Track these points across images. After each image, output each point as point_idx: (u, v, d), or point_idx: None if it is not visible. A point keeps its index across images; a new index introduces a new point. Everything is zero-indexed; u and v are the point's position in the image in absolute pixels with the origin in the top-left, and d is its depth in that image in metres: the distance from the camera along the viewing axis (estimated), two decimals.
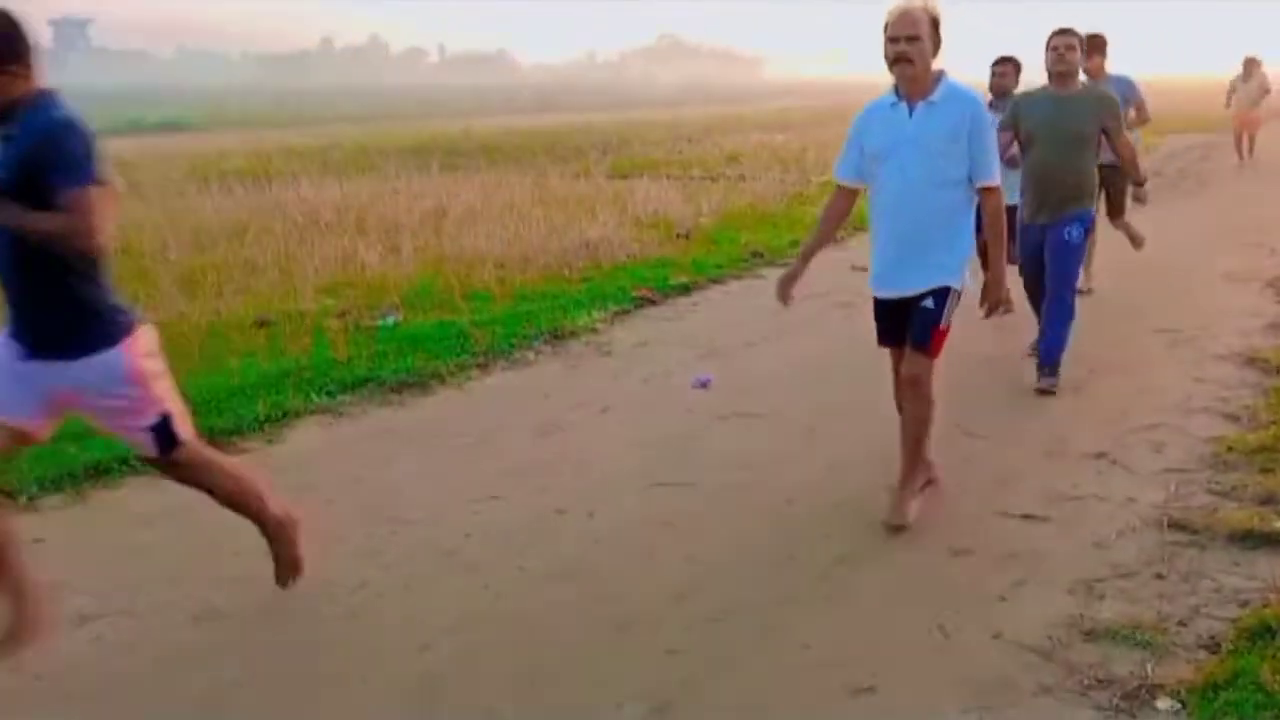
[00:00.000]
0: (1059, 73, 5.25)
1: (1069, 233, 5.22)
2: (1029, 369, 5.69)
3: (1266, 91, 16.88)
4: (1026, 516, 3.89)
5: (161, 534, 3.90)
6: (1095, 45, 6.81)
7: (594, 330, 6.86)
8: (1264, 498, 3.91)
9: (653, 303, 7.69)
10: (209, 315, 7.06)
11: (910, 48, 3.57)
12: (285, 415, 5.12)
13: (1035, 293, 5.55)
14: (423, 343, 6.28)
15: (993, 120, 4.07)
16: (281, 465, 4.58)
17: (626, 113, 35.99)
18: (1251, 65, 16.77)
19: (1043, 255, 5.34)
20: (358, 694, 2.88)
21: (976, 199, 3.78)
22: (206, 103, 56.63)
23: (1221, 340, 6.25)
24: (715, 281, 8.42)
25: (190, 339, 6.41)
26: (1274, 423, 4.69)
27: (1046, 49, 5.26)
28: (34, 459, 4.50)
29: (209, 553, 3.73)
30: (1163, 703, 2.71)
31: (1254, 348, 6.02)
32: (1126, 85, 7.12)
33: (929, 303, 3.72)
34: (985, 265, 4.03)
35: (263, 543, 3.83)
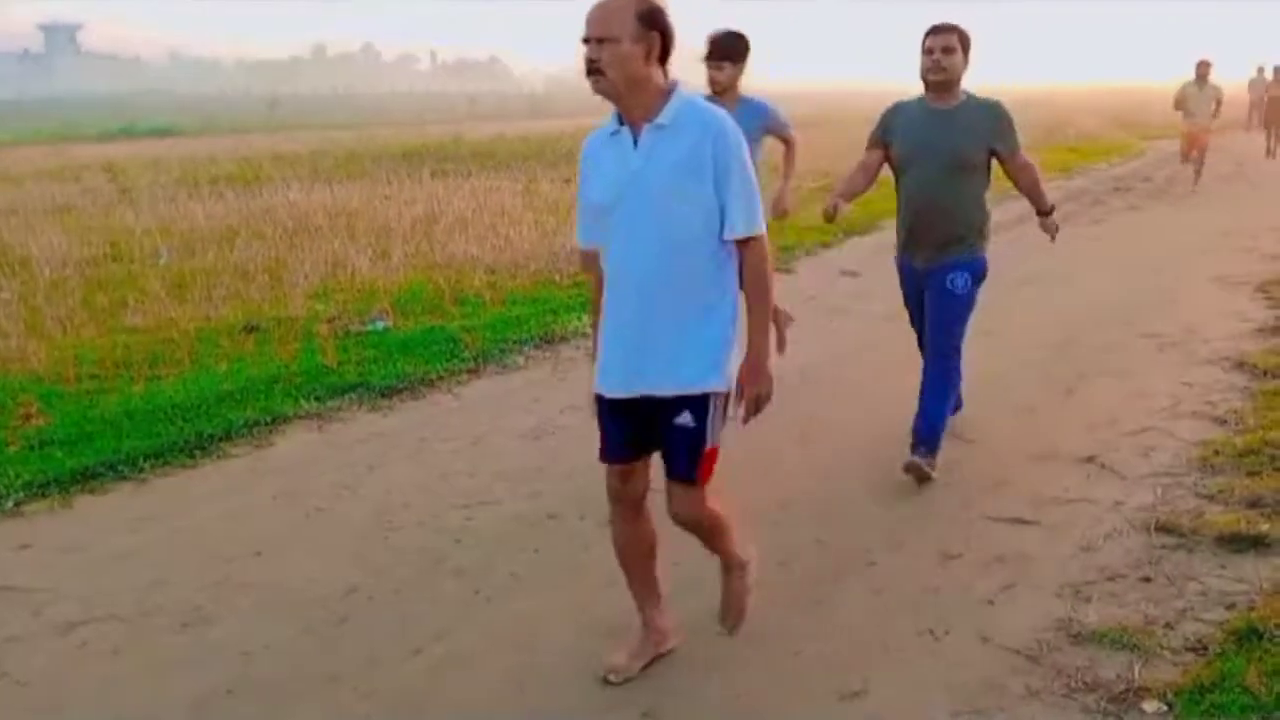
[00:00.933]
0: (934, 82, 4.20)
1: (952, 281, 4.23)
2: (1016, 374, 5.71)
3: (1219, 104, 14.26)
4: (1015, 520, 3.91)
5: (148, 539, 3.89)
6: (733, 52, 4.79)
7: (584, 334, 6.85)
8: (1251, 501, 3.93)
9: None
10: (199, 320, 7.06)
11: (602, 53, 2.57)
12: (274, 420, 5.11)
13: (923, 347, 4.57)
14: (413, 348, 6.27)
15: None
16: (270, 470, 4.58)
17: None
18: (1205, 69, 14.11)
19: (921, 303, 4.46)
20: (348, 699, 2.87)
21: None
22: (198, 109, 56.54)
23: (1210, 344, 6.28)
24: None
25: (180, 344, 6.41)
26: (1261, 426, 4.71)
27: (921, 51, 4.23)
28: (20, 464, 4.50)
29: (196, 558, 3.72)
30: (1149, 705, 2.72)
31: (1242, 352, 6.05)
32: (762, 112, 5.04)
33: (686, 418, 2.71)
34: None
35: (249, 547, 3.84)
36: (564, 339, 6.71)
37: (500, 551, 3.74)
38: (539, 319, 7.01)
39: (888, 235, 11.00)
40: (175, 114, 48.77)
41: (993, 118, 4.24)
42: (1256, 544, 3.59)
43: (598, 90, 2.64)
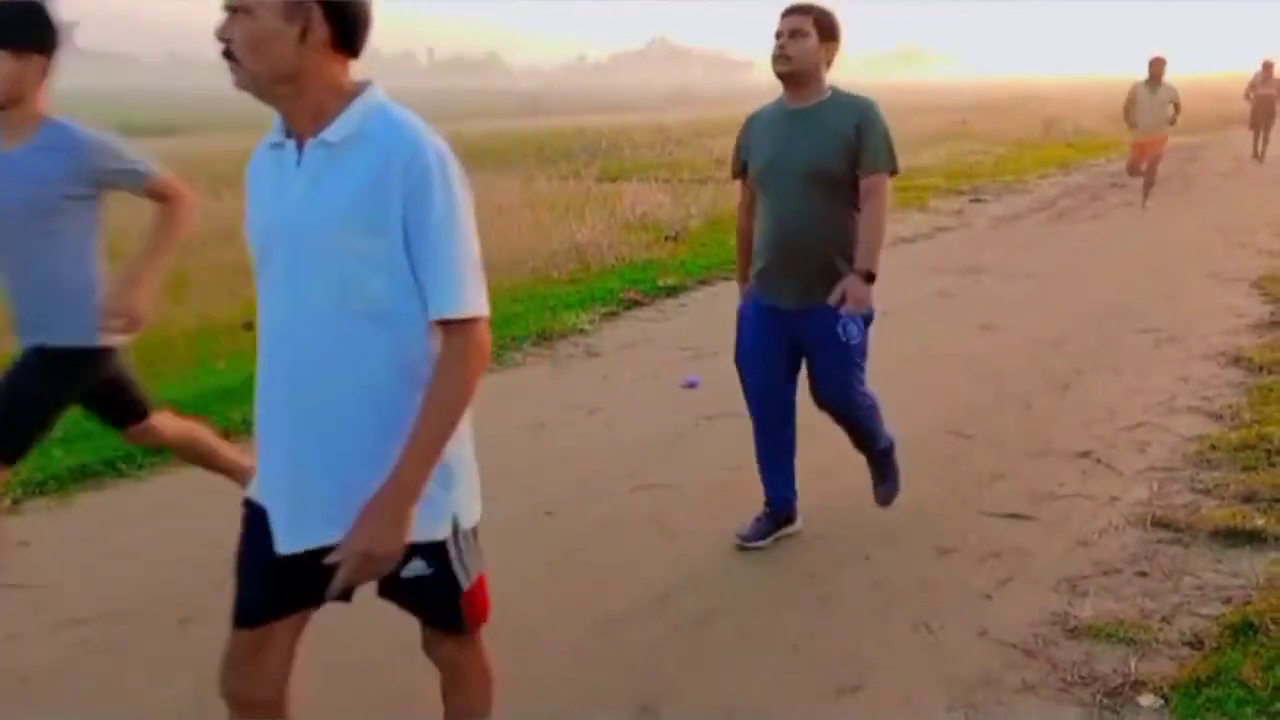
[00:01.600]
0: (780, 74, 3.39)
1: (845, 328, 3.36)
2: (1013, 369, 5.73)
3: (1178, 107, 12.01)
4: (1012, 515, 3.92)
5: (148, 536, 3.90)
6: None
7: (582, 332, 6.87)
8: (1246, 495, 3.94)
9: (641, 304, 7.70)
10: (197, 318, 7.06)
11: (234, 28, 1.77)
12: None
13: (767, 418, 3.71)
14: None
15: None
16: None
17: (616, 116, 36.03)
18: (1159, 67, 11.95)
19: (780, 357, 3.57)
20: (346, 696, 2.88)
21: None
22: (195, 107, 56.47)
23: (1207, 340, 6.30)
24: (703, 283, 8.43)
25: (178, 341, 6.41)
26: (1257, 421, 4.72)
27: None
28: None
29: (196, 555, 3.72)
30: (1146, 699, 2.73)
31: (1238, 347, 6.06)
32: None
33: (419, 567, 1.98)
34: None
35: None
36: (562, 336, 6.72)
37: (496, 547, 3.73)
38: (536, 316, 7.01)
39: (888, 230, 11.06)
40: (173, 112, 48.73)
41: (857, 119, 3.37)
42: (1252, 538, 3.60)
43: (238, 84, 1.81)
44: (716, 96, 67.91)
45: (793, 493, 3.78)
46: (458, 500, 1.98)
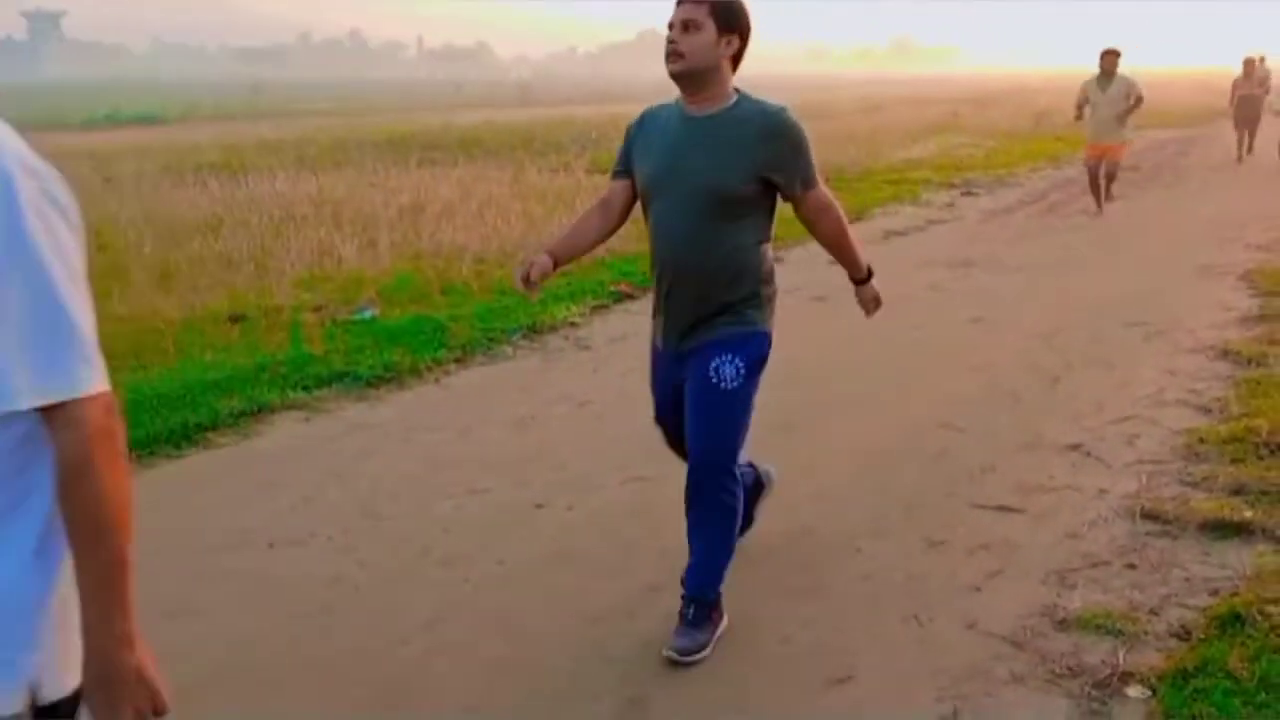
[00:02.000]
0: (672, 73, 2.88)
1: (717, 370, 2.90)
2: (1003, 362, 5.73)
3: (1138, 101, 10.47)
4: (1001, 508, 3.93)
5: (134, 529, 3.87)
6: None
7: (572, 325, 6.85)
8: (1234, 488, 3.96)
9: (631, 297, 7.68)
10: (183, 310, 7.02)
11: None
12: (260, 410, 5.09)
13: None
14: (400, 337, 6.25)
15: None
16: (257, 460, 4.56)
17: (606, 107, 35.94)
18: (1111, 61, 10.48)
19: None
20: (334, 688, 2.87)
21: None
22: (182, 96, 56.18)
23: (1195, 333, 6.32)
24: None
25: (164, 333, 6.37)
26: (1245, 414, 4.74)
27: None
28: None
29: (183, 548, 3.71)
30: (1133, 690, 2.74)
31: (1227, 340, 6.08)
32: None
33: None
34: None
35: (236, 537, 3.83)
36: (552, 329, 6.70)
37: (488, 541, 3.74)
38: (527, 308, 6.98)
39: (879, 224, 11.12)
40: (160, 101, 48.43)
41: (769, 134, 2.87)
42: (1240, 531, 3.62)
43: None
44: None
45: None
46: (40, 664, 1.36)
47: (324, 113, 40.00)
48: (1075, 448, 4.51)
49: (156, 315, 6.87)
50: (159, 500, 4.15)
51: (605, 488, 4.19)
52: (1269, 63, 18.74)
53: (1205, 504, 3.83)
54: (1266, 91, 17.28)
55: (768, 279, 3.03)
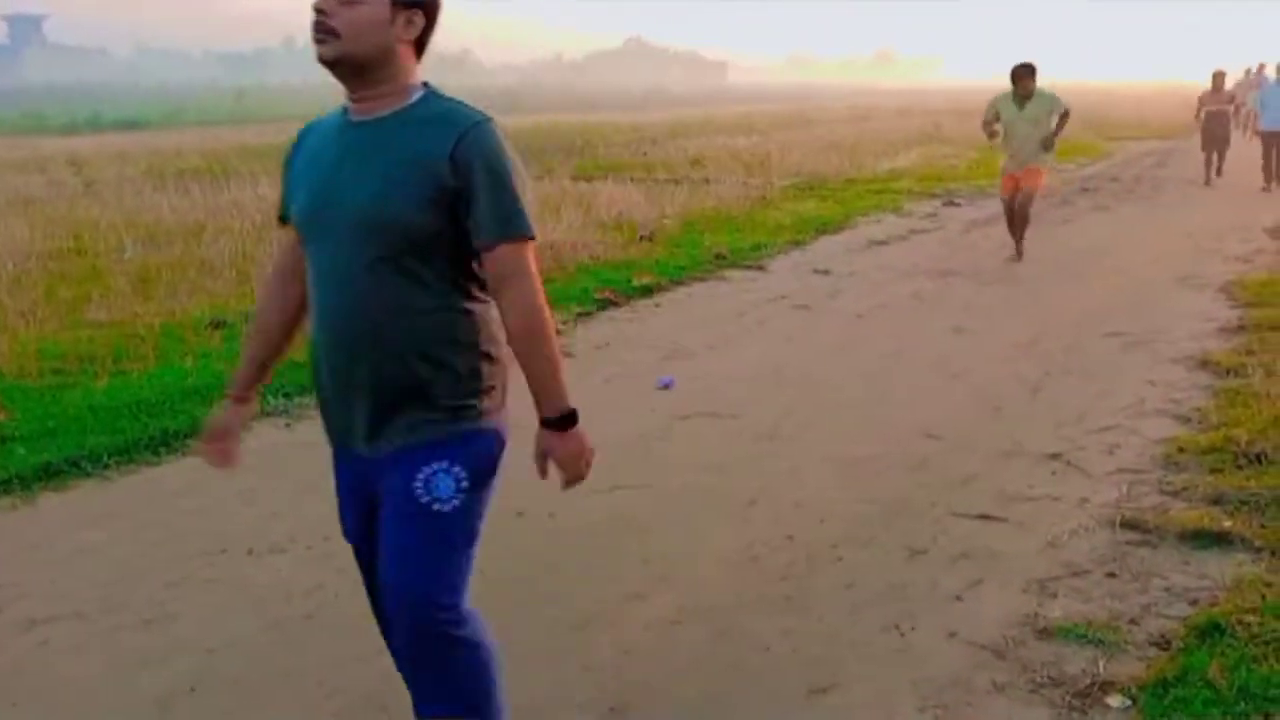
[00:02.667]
0: (326, 60, 2.04)
1: (427, 483, 2.11)
2: (984, 372, 5.75)
3: (1062, 118, 8.91)
4: (982, 517, 3.93)
5: (112, 536, 3.84)
6: None
7: (556, 331, 6.83)
8: (1214, 497, 3.98)
9: (615, 304, 7.68)
10: (164, 315, 6.97)
11: None
12: None
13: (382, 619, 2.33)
14: None
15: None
16: (236, 467, 4.52)
17: (591, 115, 35.97)
18: (1023, 79, 8.87)
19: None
20: (313, 696, 2.85)
21: None
22: (164, 101, 55.86)
23: (1175, 344, 6.36)
24: (678, 283, 8.41)
25: (144, 339, 6.33)
26: (1224, 424, 4.77)
27: None
28: None
29: (161, 555, 3.67)
30: (1114, 700, 2.74)
31: (1206, 351, 6.12)
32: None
33: None
34: None
35: (215, 544, 3.79)
36: None
37: None
38: None
39: (862, 233, 11.17)
40: (141, 106, 48.19)
41: (458, 148, 2.01)
42: (1219, 540, 3.63)
43: None
44: (691, 96, 67.99)
45: None
46: None
47: (307, 118, 39.78)
48: (1056, 457, 4.52)
49: (137, 320, 6.82)
50: (137, 507, 4.12)
51: (588, 495, 4.14)
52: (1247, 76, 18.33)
53: (1185, 513, 3.84)
54: (1237, 109, 16.15)
55: (488, 351, 2.19)
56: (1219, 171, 15.28)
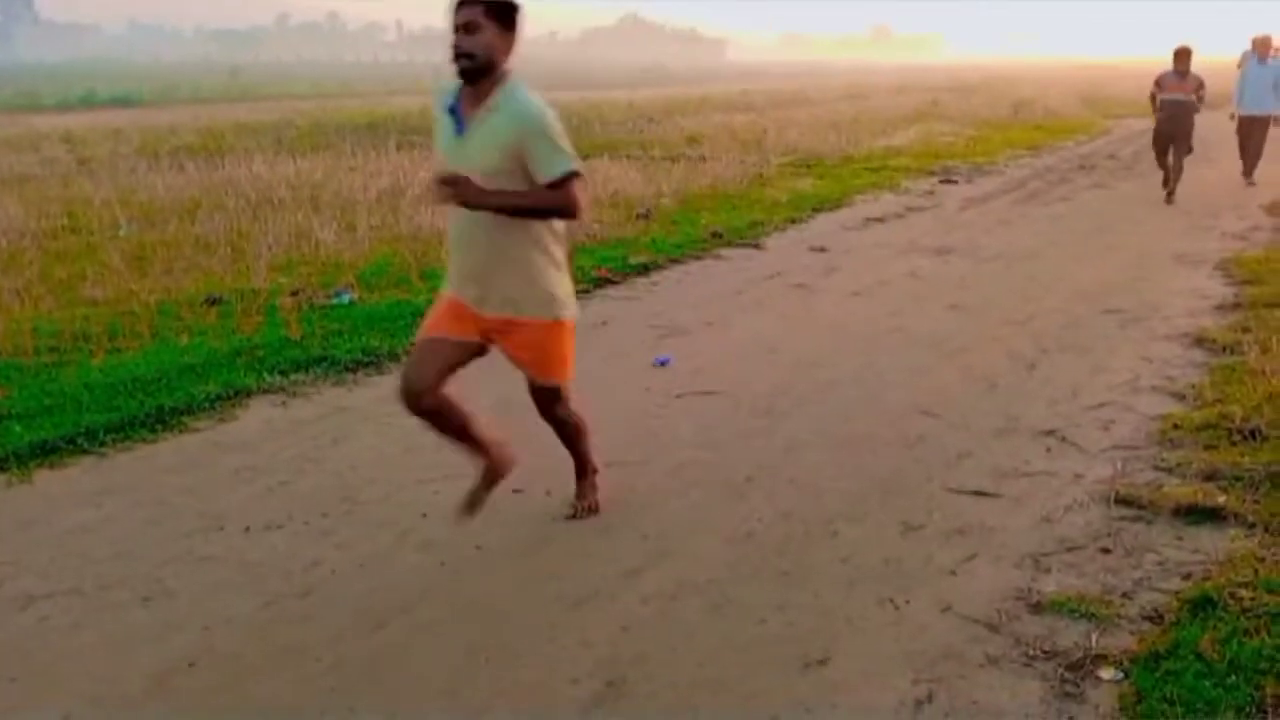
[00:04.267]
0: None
1: None
2: (979, 348, 5.75)
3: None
4: (977, 493, 3.95)
5: (109, 513, 3.84)
6: None
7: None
8: (1207, 474, 4.00)
9: (612, 282, 7.68)
10: (159, 293, 6.96)
11: None
12: (237, 394, 5.05)
13: None
14: (378, 321, 6.22)
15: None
16: (233, 444, 4.53)
17: (588, 93, 35.79)
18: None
19: None
20: (312, 671, 2.86)
21: None
22: (158, 78, 55.50)
23: (1170, 321, 6.37)
24: (675, 261, 8.40)
25: (140, 316, 6.32)
26: (1218, 401, 4.79)
27: None
28: None
29: (158, 532, 3.68)
30: (1106, 673, 2.77)
31: (1201, 328, 6.14)
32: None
33: None
34: None
35: (211, 521, 3.80)
36: None
37: (465, 525, 3.73)
38: None
39: (859, 210, 11.15)
40: (135, 83, 47.88)
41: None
42: (1213, 516, 3.65)
43: None
44: (689, 73, 67.62)
45: None
46: None
47: (302, 96, 39.66)
48: (1051, 433, 4.54)
49: (132, 298, 6.81)
50: (133, 484, 4.12)
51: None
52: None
53: (1179, 489, 3.86)
54: (1201, 98, 11.61)
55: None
56: (1179, 168, 11.57)
